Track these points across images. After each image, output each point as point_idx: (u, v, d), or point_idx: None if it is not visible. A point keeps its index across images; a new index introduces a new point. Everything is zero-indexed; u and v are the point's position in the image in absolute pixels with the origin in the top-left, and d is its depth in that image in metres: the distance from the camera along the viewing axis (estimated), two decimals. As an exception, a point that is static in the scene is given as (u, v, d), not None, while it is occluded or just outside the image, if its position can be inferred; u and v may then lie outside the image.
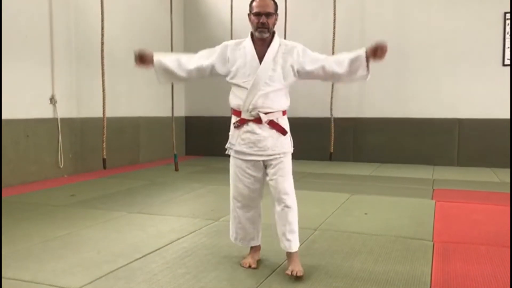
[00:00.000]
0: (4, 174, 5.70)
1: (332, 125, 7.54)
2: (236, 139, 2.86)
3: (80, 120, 6.96)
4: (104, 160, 6.22)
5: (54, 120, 6.49)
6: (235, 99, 2.84)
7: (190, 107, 9.67)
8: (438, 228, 3.87)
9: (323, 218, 4.19)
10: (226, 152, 2.95)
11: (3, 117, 5.70)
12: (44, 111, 6.37)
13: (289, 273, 2.71)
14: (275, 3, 2.82)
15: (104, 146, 6.21)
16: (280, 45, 2.81)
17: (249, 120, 2.80)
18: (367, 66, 2.81)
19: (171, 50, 7.28)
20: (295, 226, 2.84)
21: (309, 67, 2.83)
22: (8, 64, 5.79)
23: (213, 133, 9.17)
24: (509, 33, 7.67)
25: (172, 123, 7.40)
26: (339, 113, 8.13)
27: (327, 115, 7.82)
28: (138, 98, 8.30)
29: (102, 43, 6.08)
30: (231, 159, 2.93)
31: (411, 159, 8.21)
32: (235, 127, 2.87)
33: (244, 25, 2.90)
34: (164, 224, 4.01)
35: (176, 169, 7.25)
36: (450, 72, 8.03)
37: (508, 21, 7.66)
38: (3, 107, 5.70)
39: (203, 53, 2.90)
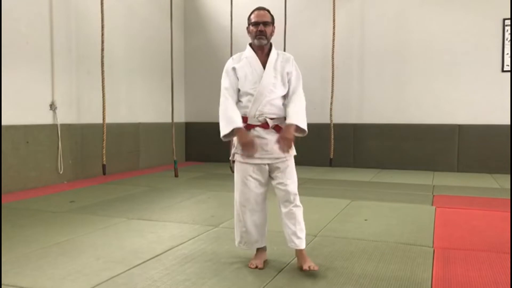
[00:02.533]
0: (4, 180, 5.69)
1: (332, 131, 7.55)
2: None
3: (80, 126, 6.96)
4: (104, 166, 6.23)
5: (54, 126, 6.49)
6: (241, 108, 2.99)
7: (190, 113, 9.68)
8: (439, 234, 3.87)
9: (323, 224, 4.19)
10: (230, 158, 3.06)
11: (3, 123, 5.71)
12: (44, 117, 6.38)
13: (307, 268, 2.87)
14: (272, 16, 3.03)
15: (104, 152, 6.22)
16: (278, 54, 3.03)
17: (256, 126, 2.96)
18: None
19: (171, 56, 7.31)
20: (303, 225, 3.02)
21: (292, 85, 3.01)
22: (8, 70, 5.80)
23: (213, 139, 9.08)
24: (508, 40, 7.69)
25: (172, 129, 7.41)
26: (338, 119, 8.14)
27: (327, 121, 7.84)
28: (138, 104, 8.31)
29: (102, 50, 6.11)
30: (236, 165, 3.04)
31: (411, 165, 8.21)
32: None
33: (244, 31, 2.97)
34: (164, 230, 4.00)
35: (176, 175, 7.24)
36: (450, 78, 8.05)
37: (508, 28, 7.69)
38: (3, 113, 5.70)
39: (225, 82, 3.02)
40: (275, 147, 2.94)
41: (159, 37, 8.43)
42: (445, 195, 5.76)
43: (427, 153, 8.20)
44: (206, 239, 3.72)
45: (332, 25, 7.41)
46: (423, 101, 8.22)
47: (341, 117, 8.29)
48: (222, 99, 3.00)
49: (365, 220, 4.40)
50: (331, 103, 7.51)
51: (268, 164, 2.97)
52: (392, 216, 4.59)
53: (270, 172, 3.00)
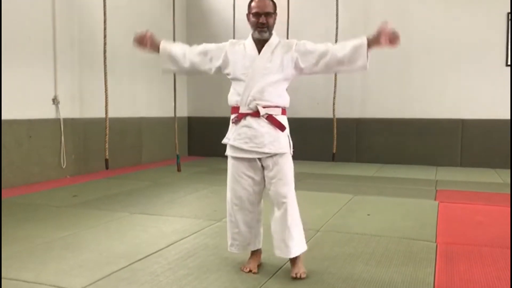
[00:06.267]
0: (6, 174, 5.70)
1: (335, 126, 7.53)
2: (233, 133, 2.79)
3: (83, 120, 6.96)
4: (106, 160, 6.21)
5: (57, 120, 6.49)
6: (234, 96, 2.79)
7: (193, 108, 9.67)
8: (441, 229, 3.86)
9: (326, 219, 4.18)
10: (225, 152, 2.87)
11: (5, 117, 5.71)
12: (46, 112, 6.38)
13: (294, 275, 2.73)
14: (274, 3, 2.79)
15: (107, 146, 6.21)
16: (279, 41, 2.80)
17: (247, 114, 2.73)
18: (367, 54, 2.75)
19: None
20: (295, 232, 2.75)
21: (309, 51, 2.74)
22: (11, 65, 5.80)
23: (215, 133, 9.06)
24: (513, 34, 7.64)
25: (175, 124, 7.38)
26: (341, 113, 8.11)
27: (330, 115, 7.80)
28: (141, 99, 8.31)
29: (105, 44, 6.07)
30: (228, 160, 2.87)
31: (414, 160, 8.19)
32: (233, 122, 2.80)
33: (247, 24, 2.90)
34: (167, 225, 4.01)
35: (179, 170, 7.22)
36: (453, 73, 8.01)
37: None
38: (6, 107, 5.71)
39: (205, 44, 2.92)
40: (266, 141, 2.70)
41: (162, 31, 8.28)
42: (448, 190, 5.74)
43: (430, 148, 8.17)
44: (209, 233, 3.72)
45: (335, 19, 7.36)
46: (426, 96, 8.19)
47: (344, 112, 8.26)
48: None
49: (368, 215, 4.39)
50: (334, 98, 7.47)
51: (259, 159, 2.75)
52: (394, 211, 4.58)
53: (264, 170, 2.77)
